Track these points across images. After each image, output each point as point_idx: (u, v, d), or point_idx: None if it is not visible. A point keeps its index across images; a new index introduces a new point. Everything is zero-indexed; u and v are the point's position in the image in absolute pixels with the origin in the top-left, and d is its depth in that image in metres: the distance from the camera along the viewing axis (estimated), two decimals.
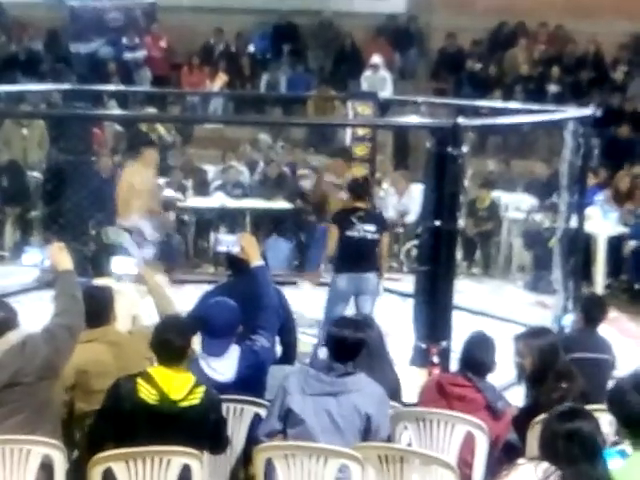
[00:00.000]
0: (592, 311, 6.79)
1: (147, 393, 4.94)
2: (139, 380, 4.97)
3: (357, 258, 8.48)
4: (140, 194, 9.76)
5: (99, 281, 6.92)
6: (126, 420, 4.95)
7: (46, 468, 4.91)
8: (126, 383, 5.00)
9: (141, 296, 6.94)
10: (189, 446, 4.90)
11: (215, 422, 5.11)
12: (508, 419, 5.46)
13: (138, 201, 9.74)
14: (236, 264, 6.45)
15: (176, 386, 4.98)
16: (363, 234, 8.48)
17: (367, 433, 5.17)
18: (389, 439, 5.36)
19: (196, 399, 4.99)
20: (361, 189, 8.84)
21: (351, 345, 5.26)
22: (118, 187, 9.83)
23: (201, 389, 5.03)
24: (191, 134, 15.18)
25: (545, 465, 4.04)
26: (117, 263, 6.65)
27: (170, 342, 5.04)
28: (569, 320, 8.27)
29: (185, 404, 4.97)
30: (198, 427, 5.01)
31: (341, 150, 11.63)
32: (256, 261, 6.05)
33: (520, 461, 4.20)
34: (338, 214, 8.89)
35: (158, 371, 5.02)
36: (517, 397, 5.98)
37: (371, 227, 8.51)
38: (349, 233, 8.49)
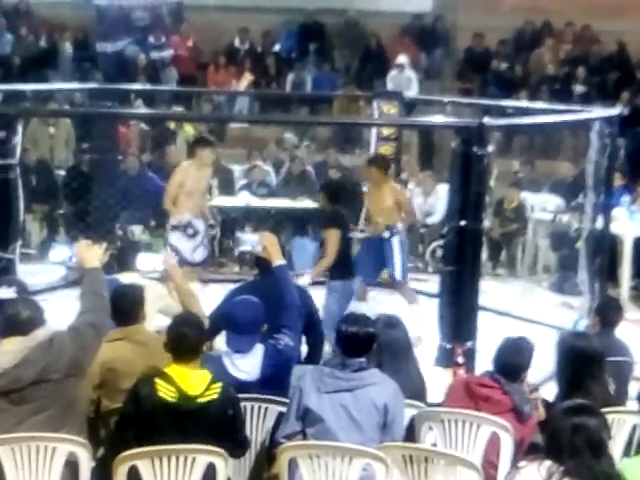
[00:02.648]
0: (608, 314, 6.70)
1: (166, 391, 4.96)
2: (157, 380, 5.00)
3: None
4: (190, 194, 9.64)
5: (124, 276, 6.94)
6: (147, 421, 4.97)
7: (71, 465, 4.92)
8: (144, 385, 5.03)
9: (168, 291, 6.96)
10: (210, 442, 4.91)
11: (232, 418, 5.12)
12: (534, 423, 5.44)
13: (188, 200, 9.63)
14: (261, 263, 6.47)
15: (194, 383, 5.00)
16: None
17: (385, 427, 5.18)
18: (411, 438, 5.36)
19: (214, 394, 5.01)
20: None
21: (363, 340, 5.27)
22: (168, 185, 9.69)
23: (218, 384, 5.05)
24: (223, 133, 15.11)
25: (548, 463, 4.03)
26: (143, 260, 6.66)
27: (186, 336, 5.07)
28: (584, 324, 8.21)
29: (203, 400, 4.99)
30: (218, 422, 5.03)
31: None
32: (278, 260, 6.06)
33: (521, 464, 4.19)
34: None
35: (175, 369, 5.04)
36: (549, 395, 5.94)
37: None
38: None
